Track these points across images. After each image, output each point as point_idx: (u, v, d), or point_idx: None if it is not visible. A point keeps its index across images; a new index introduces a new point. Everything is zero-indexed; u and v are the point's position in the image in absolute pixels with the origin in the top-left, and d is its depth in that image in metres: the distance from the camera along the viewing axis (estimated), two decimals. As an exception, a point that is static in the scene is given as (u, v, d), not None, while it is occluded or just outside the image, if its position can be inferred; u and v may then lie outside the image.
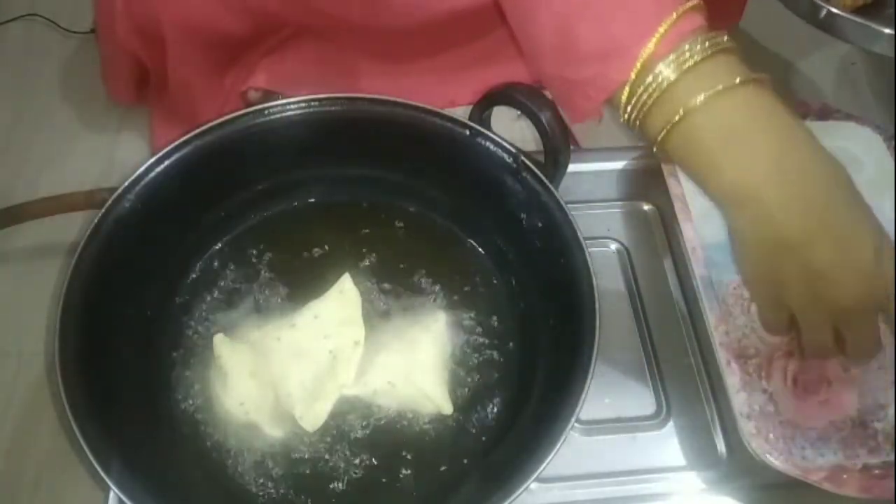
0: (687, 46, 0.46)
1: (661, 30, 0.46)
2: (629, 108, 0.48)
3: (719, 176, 0.47)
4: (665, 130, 0.47)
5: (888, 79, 0.76)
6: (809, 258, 0.45)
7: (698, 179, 0.50)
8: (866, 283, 0.45)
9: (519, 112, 0.54)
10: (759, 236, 0.47)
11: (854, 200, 0.46)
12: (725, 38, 0.47)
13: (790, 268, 0.46)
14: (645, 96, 0.47)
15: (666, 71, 0.46)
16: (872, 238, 0.45)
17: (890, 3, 0.63)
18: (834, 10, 0.61)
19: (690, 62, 0.46)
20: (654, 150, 0.50)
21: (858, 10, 0.62)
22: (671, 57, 0.46)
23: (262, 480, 0.50)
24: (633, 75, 0.47)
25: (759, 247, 0.47)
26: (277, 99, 0.55)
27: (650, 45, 0.46)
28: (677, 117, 0.46)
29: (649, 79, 0.46)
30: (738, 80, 0.46)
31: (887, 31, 0.60)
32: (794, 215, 0.45)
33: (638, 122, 0.49)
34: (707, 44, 0.46)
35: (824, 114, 0.65)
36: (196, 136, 0.54)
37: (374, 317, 0.55)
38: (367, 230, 0.60)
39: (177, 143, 0.53)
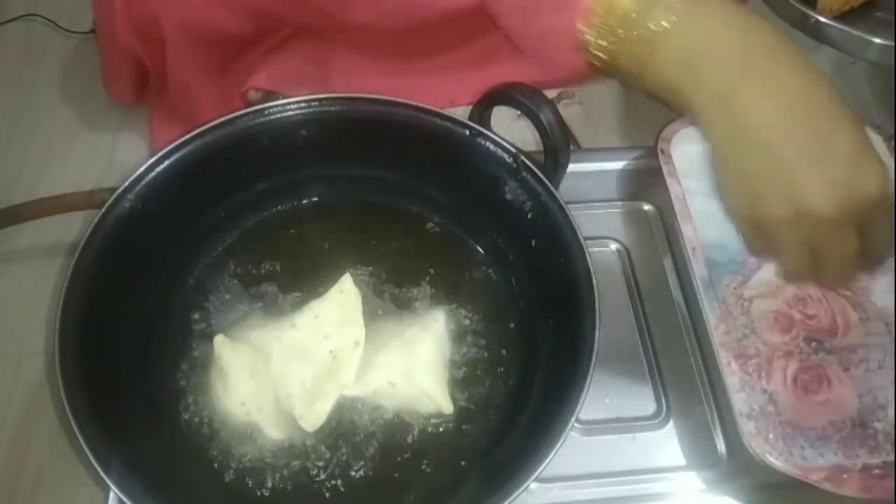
0: None
1: None
2: (599, 48, 0.48)
3: (697, 87, 0.46)
4: (641, 60, 0.47)
5: (887, 79, 0.76)
6: (783, 160, 0.44)
7: (678, 101, 0.48)
8: (842, 192, 0.43)
9: (519, 112, 0.54)
10: (736, 139, 0.45)
11: (834, 108, 0.44)
12: None
13: (767, 176, 0.44)
14: (612, 33, 0.47)
15: (626, 3, 0.46)
16: (850, 145, 0.44)
17: (875, 8, 0.63)
18: (820, 18, 0.61)
19: None
20: (635, 86, 0.50)
21: (844, 16, 0.61)
22: None
23: (262, 481, 0.50)
24: (594, 11, 0.47)
25: (737, 153, 0.46)
26: (277, 99, 0.55)
27: None
28: (650, 48, 0.46)
29: (615, 14, 0.46)
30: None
31: (876, 40, 0.60)
32: (771, 114, 0.44)
33: (610, 61, 0.48)
34: None
35: (824, 114, 0.64)
36: (196, 136, 0.54)
37: (373, 317, 0.55)
38: (367, 230, 0.60)
39: (177, 143, 0.53)
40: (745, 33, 0.46)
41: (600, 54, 0.48)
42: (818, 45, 0.65)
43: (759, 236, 0.47)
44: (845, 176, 0.43)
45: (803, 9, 0.61)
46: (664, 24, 0.45)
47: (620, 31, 0.46)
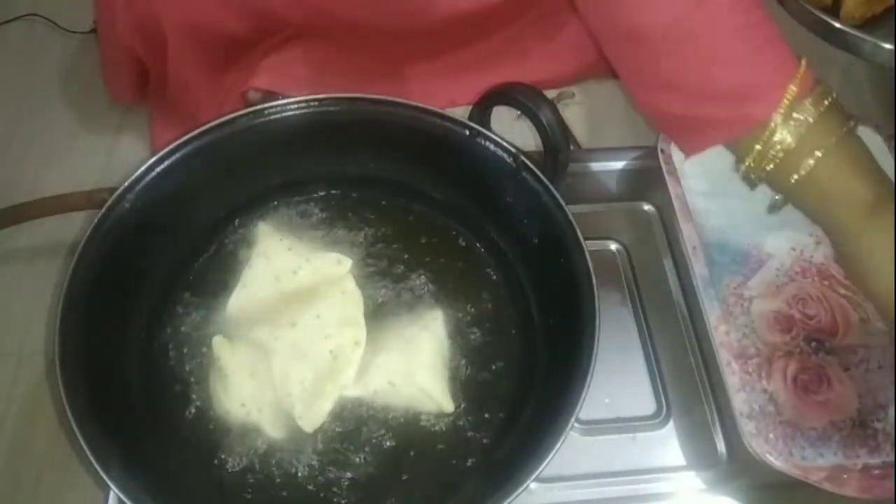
0: (819, 89, 0.50)
1: (800, 73, 0.49)
2: (761, 156, 0.51)
3: (844, 206, 0.51)
4: (795, 177, 0.50)
5: (888, 79, 0.76)
6: None
7: (822, 213, 0.52)
8: None
9: (519, 112, 0.54)
10: (882, 250, 0.50)
11: None
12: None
13: None
14: (780, 145, 0.50)
15: (803, 115, 0.49)
16: None
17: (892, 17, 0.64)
18: (838, 25, 0.62)
19: (822, 106, 0.49)
20: (778, 195, 0.54)
21: (865, 23, 0.63)
22: (808, 100, 0.49)
23: (262, 481, 0.50)
24: (776, 117, 0.49)
25: (884, 258, 0.50)
26: (277, 99, 0.55)
27: (793, 87, 0.49)
28: (804, 170, 0.50)
29: (791, 123, 0.49)
30: (850, 125, 0.50)
31: (888, 46, 0.61)
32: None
33: (766, 168, 0.51)
34: (824, 87, 0.50)
35: (824, 114, 0.65)
36: (196, 136, 0.54)
37: (374, 316, 0.55)
38: (367, 230, 0.60)
39: (177, 143, 0.53)
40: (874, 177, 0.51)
41: (761, 160, 0.51)
42: (820, 44, 0.66)
43: None
44: None
45: (826, 18, 0.63)
46: (811, 161, 0.49)
47: (792, 141, 0.49)
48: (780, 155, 0.50)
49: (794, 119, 0.49)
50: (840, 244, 0.54)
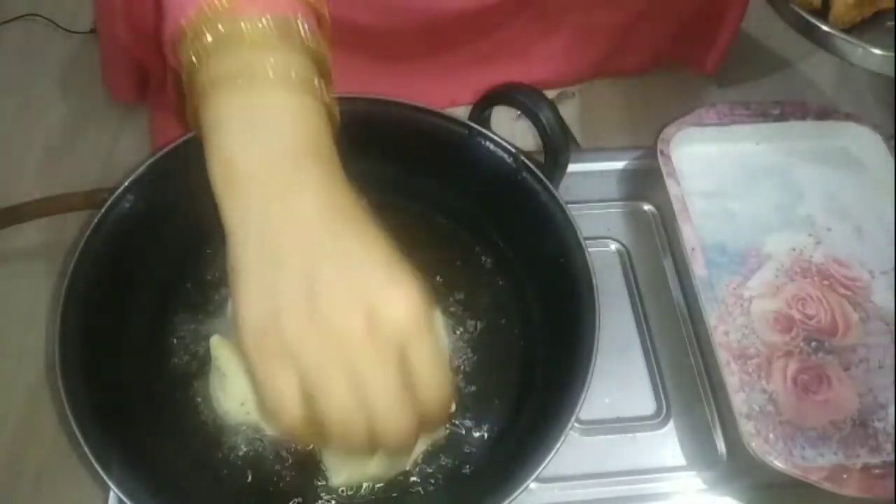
0: (258, 15, 0.38)
1: None
2: (185, 62, 0.40)
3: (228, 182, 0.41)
4: (195, 104, 0.41)
5: (888, 79, 0.76)
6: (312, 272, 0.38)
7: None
8: (368, 312, 0.36)
9: (519, 112, 0.54)
10: (266, 246, 0.40)
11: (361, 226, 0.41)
12: (318, 39, 0.41)
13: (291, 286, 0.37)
14: (197, 53, 0.39)
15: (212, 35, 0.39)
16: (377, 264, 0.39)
17: (888, 18, 0.63)
18: (827, 28, 0.61)
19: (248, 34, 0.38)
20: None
21: (855, 28, 0.62)
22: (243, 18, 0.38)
23: (262, 480, 0.50)
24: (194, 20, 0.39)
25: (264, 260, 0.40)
26: (277, 99, 0.55)
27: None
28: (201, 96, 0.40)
29: (208, 36, 0.39)
30: (271, 76, 0.39)
31: (876, 51, 0.60)
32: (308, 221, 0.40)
33: (188, 79, 0.41)
34: (275, 24, 0.39)
35: (824, 114, 0.65)
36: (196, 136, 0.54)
37: (374, 317, 0.55)
38: (367, 230, 0.60)
39: (177, 142, 0.53)
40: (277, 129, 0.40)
41: (185, 66, 0.41)
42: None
43: (272, 366, 0.36)
44: (371, 296, 0.37)
45: (814, 21, 0.62)
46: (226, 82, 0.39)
47: (204, 55, 0.39)
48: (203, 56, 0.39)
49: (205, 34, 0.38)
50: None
